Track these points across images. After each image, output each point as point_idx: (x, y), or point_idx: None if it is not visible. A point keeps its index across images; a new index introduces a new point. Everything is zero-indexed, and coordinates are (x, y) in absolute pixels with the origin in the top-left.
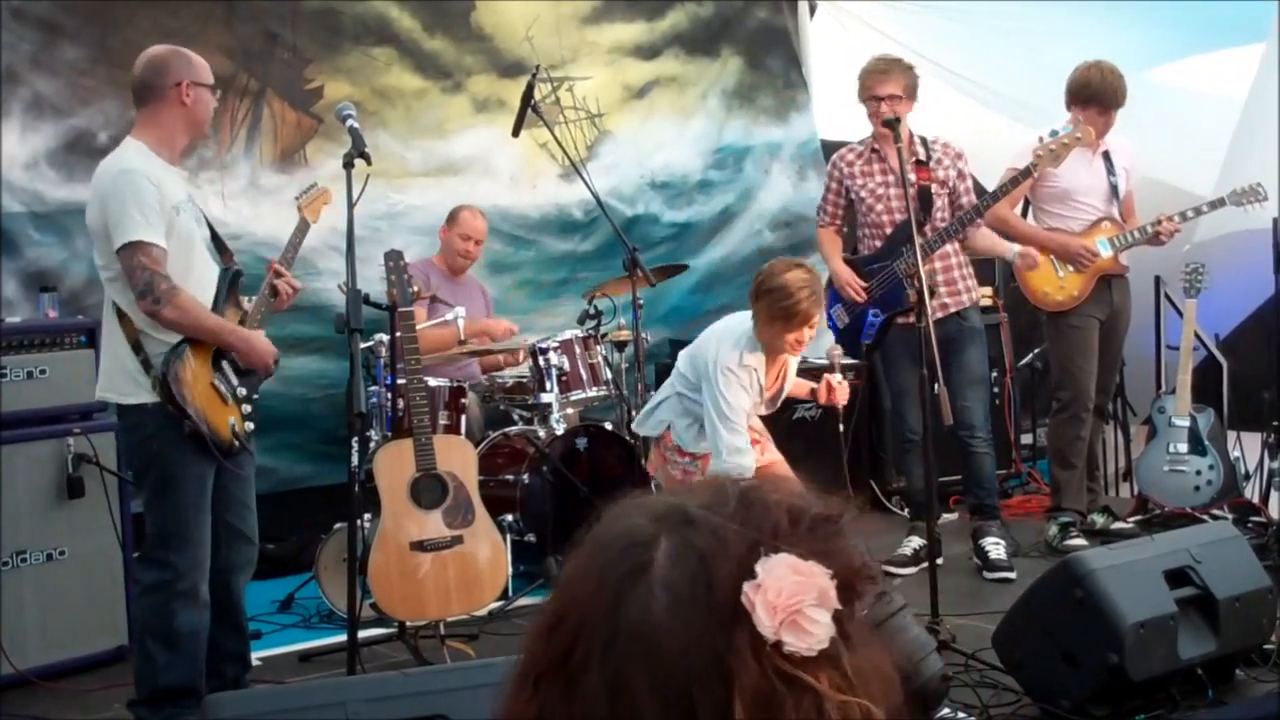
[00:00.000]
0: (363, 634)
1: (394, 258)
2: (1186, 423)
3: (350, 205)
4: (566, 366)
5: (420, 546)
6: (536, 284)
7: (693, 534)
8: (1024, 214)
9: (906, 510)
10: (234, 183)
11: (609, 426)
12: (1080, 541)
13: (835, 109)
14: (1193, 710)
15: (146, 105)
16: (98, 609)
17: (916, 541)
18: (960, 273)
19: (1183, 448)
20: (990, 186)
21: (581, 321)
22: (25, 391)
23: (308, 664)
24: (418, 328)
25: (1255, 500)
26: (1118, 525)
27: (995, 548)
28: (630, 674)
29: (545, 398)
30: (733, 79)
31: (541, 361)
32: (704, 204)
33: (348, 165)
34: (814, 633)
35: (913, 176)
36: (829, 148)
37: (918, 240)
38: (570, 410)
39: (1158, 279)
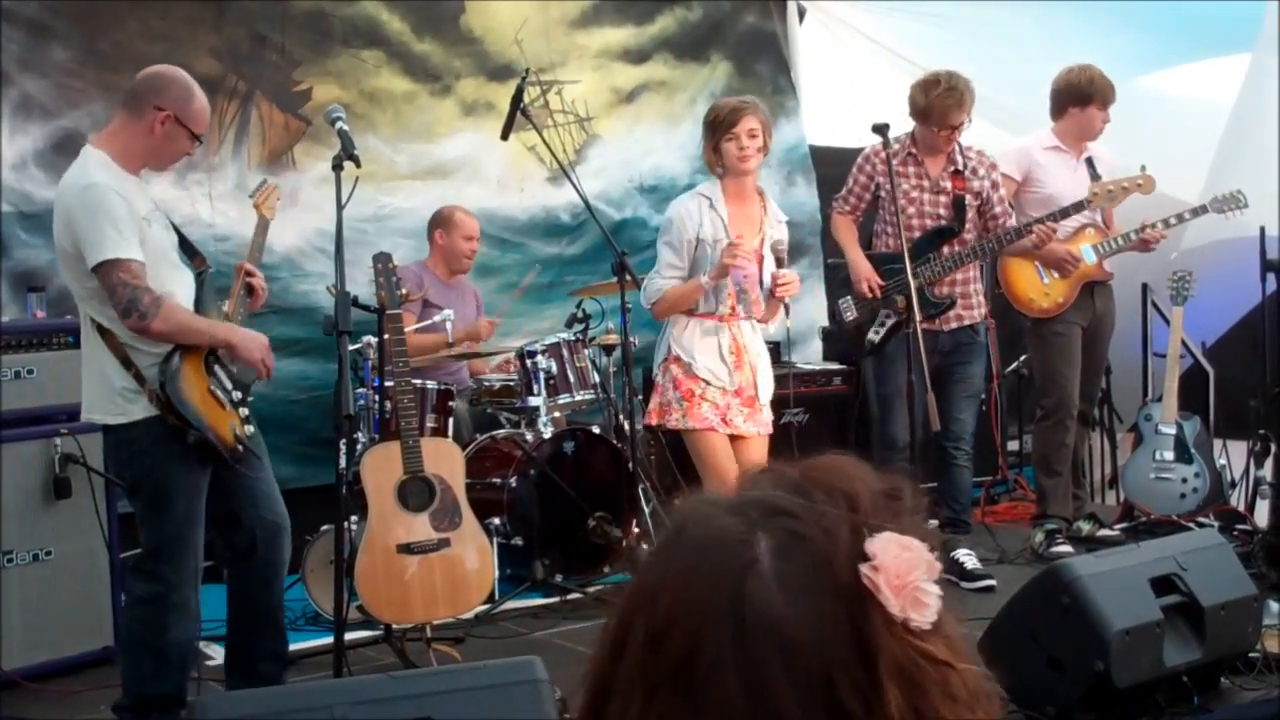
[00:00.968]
0: (349, 636)
1: (382, 260)
2: (1173, 430)
3: (339, 207)
4: (554, 370)
5: (407, 549)
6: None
7: (793, 524)
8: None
9: None
10: (222, 184)
11: (596, 430)
12: (1066, 548)
13: (824, 114)
14: (1178, 717)
15: (124, 113)
16: (84, 610)
17: None
18: (975, 286)
19: (1169, 455)
20: None
21: (569, 325)
22: (12, 392)
23: (293, 666)
24: (407, 330)
25: (1241, 508)
26: (1104, 532)
27: (969, 558)
28: (767, 668)
29: (533, 401)
30: (721, 84)
31: (529, 365)
32: None
33: (337, 168)
34: (930, 605)
35: (950, 184)
36: (817, 153)
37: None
38: (558, 413)
39: (1145, 286)
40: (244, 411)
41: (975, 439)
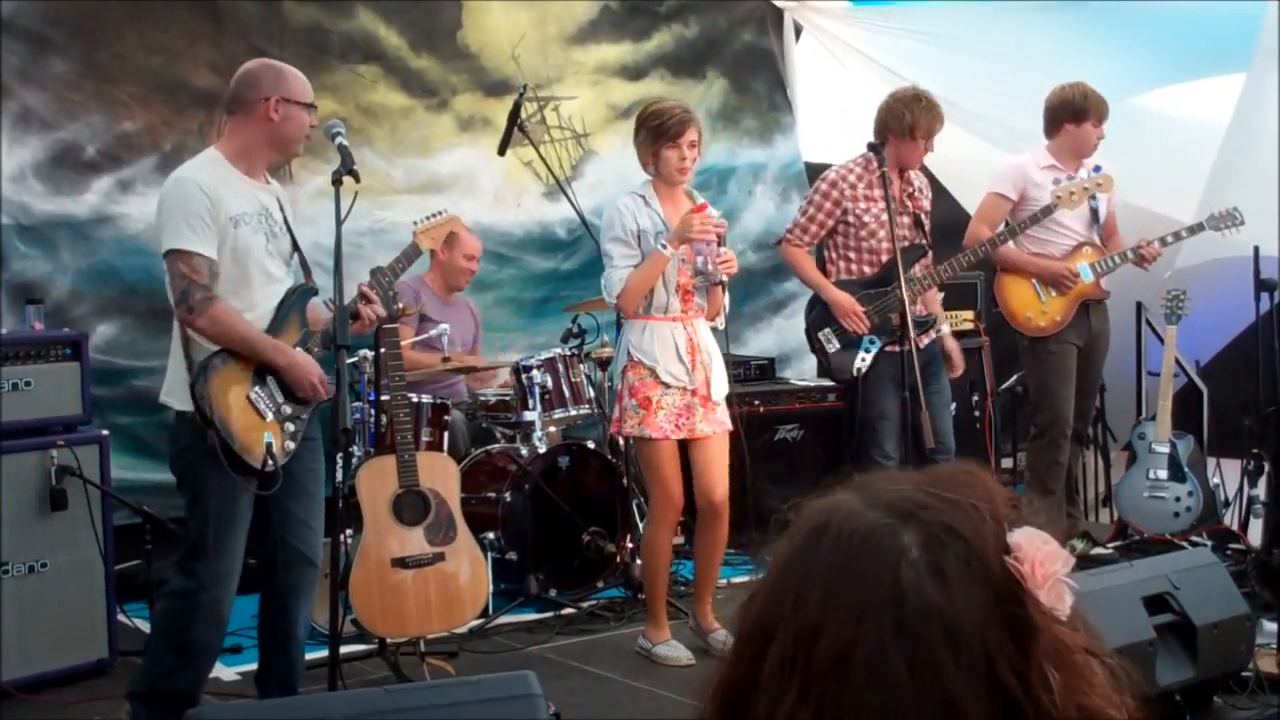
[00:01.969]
0: (343, 650)
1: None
2: (1166, 449)
3: (339, 222)
4: (549, 384)
5: (402, 563)
6: (519, 302)
7: (939, 517)
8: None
9: None
10: None
11: (591, 445)
12: None
13: (820, 131)
14: None
15: (234, 116)
16: (79, 622)
17: None
18: (937, 298)
19: (1162, 474)
20: (971, 209)
21: (565, 340)
22: (10, 403)
23: None
24: (403, 345)
25: (1234, 527)
26: (1097, 550)
27: None
28: (932, 650)
29: (528, 415)
30: (717, 100)
31: (524, 379)
32: None
33: (336, 183)
34: (1069, 596)
35: (909, 205)
36: (813, 170)
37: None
38: (553, 428)
39: (1139, 305)
40: (290, 428)
41: (969, 456)
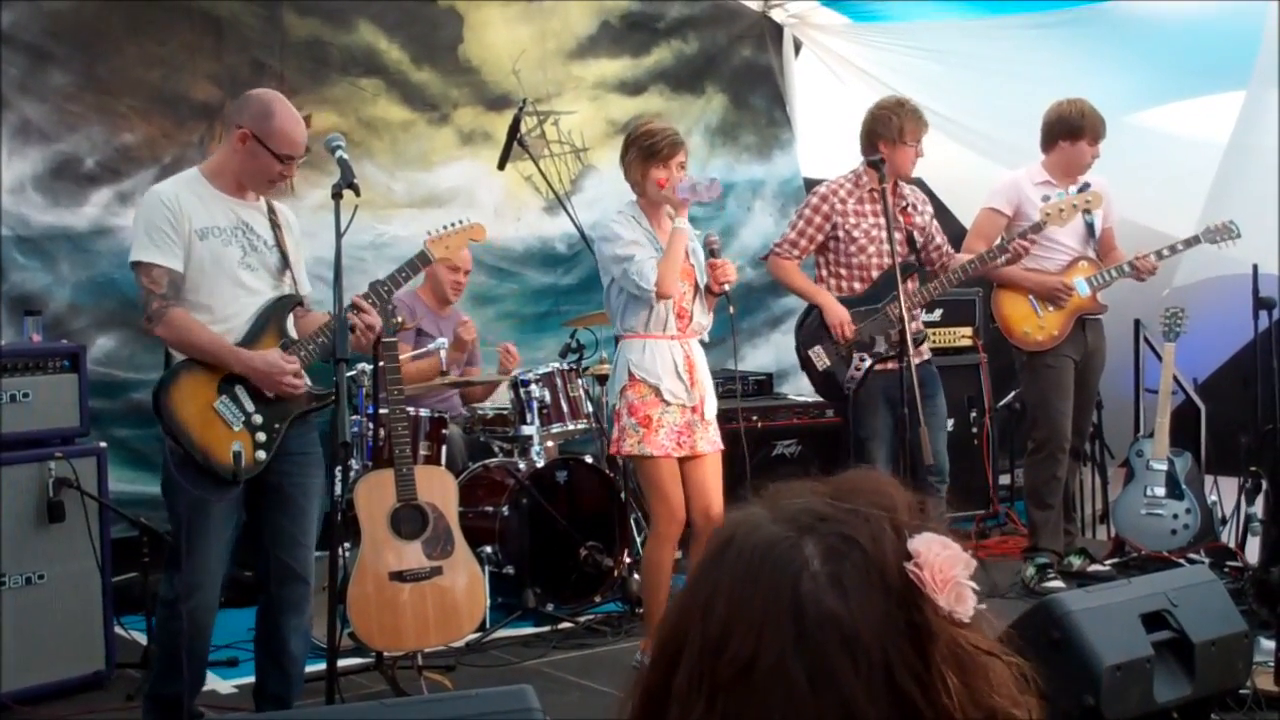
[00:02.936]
0: (340, 663)
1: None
2: (1164, 466)
3: (338, 236)
4: (548, 399)
5: (399, 577)
6: (519, 317)
7: (839, 528)
8: None
9: None
10: None
11: (589, 459)
12: (1057, 583)
13: (819, 147)
14: None
15: (225, 133)
16: (76, 634)
17: None
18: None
19: (1160, 491)
20: (968, 223)
21: (563, 354)
22: (8, 415)
23: None
24: (402, 359)
25: (1231, 545)
26: (1094, 567)
27: None
28: (831, 659)
29: (526, 430)
30: (717, 116)
31: (522, 394)
32: None
33: (336, 196)
34: (970, 599)
35: (901, 220)
36: (812, 186)
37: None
38: (550, 442)
39: (1137, 322)
40: (261, 437)
41: (967, 473)
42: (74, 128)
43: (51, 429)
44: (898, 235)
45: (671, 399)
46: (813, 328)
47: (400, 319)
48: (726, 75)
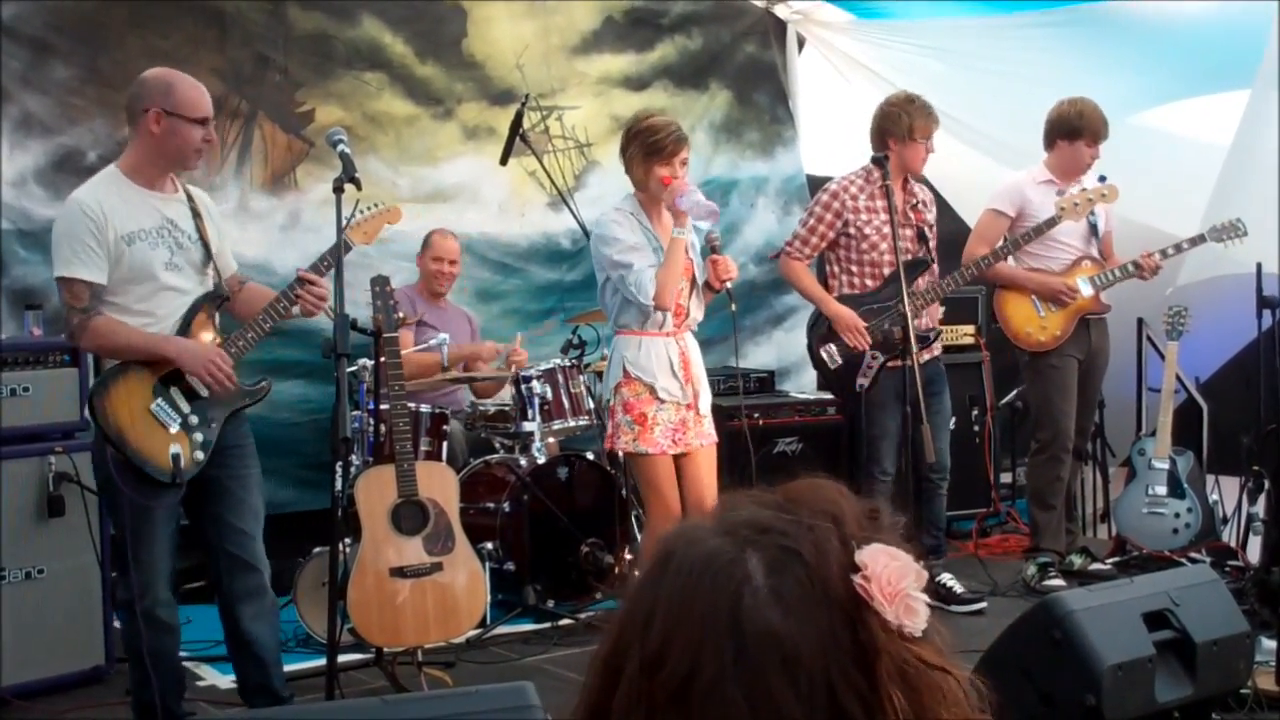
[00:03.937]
0: (340, 659)
1: (380, 283)
2: (1166, 465)
3: (339, 230)
4: (549, 395)
5: (400, 573)
6: (524, 313)
7: (782, 540)
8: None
9: None
10: (223, 205)
11: (590, 456)
12: (1059, 582)
13: (822, 145)
14: None
15: (130, 127)
16: (76, 629)
17: None
18: (938, 312)
19: (1162, 490)
20: (969, 221)
21: (565, 350)
22: (8, 409)
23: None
24: (404, 354)
25: (1232, 544)
26: (1096, 566)
27: (955, 582)
28: (769, 679)
29: (527, 426)
30: (720, 113)
31: (524, 390)
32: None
33: (338, 190)
34: (920, 611)
35: (913, 217)
36: (815, 183)
37: (903, 283)
38: (552, 439)
39: (1140, 321)
40: (199, 437)
41: (969, 471)
42: (76, 121)
43: (51, 423)
44: (909, 232)
45: (667, 397)
46: (826, 327)
47: (402, 314)
48: (730, 72)
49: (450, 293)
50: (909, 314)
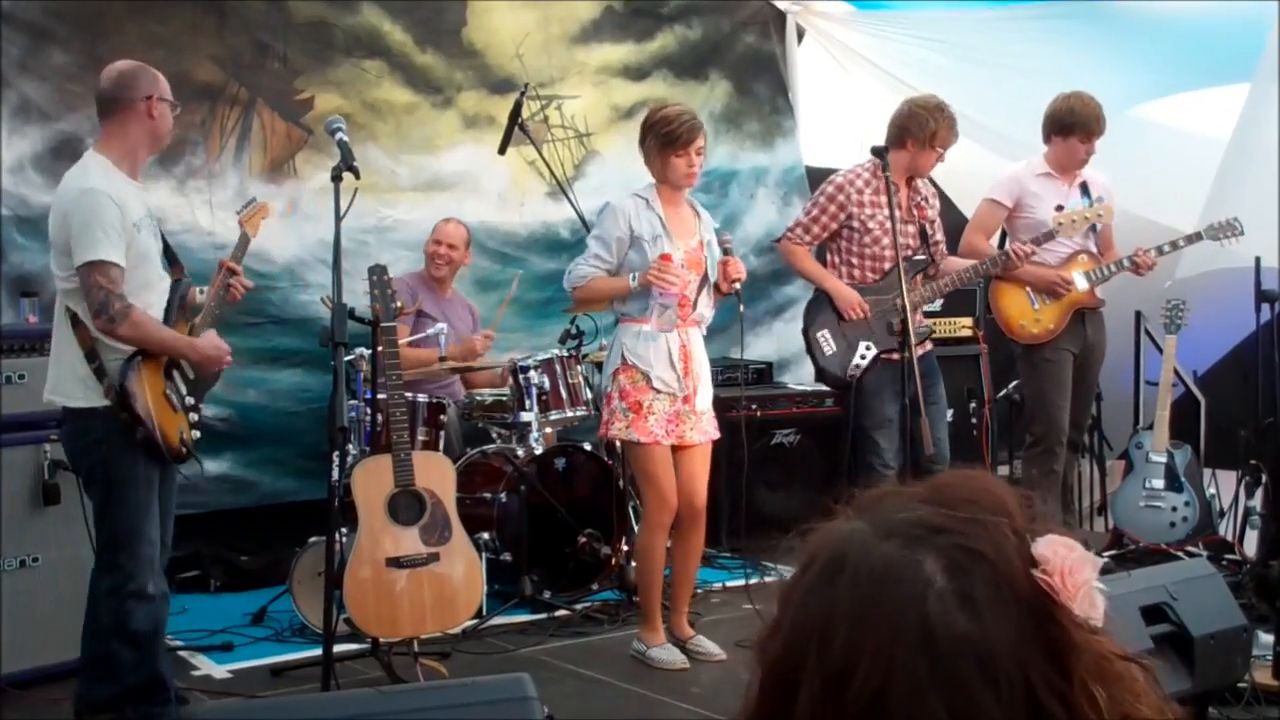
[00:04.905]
0: (336, 649)
1: (377, 272)
2: (1163, 459)
3: (338, 219)
4: (547, 386)
5: (396, 563)
6: (523, 303)
7: (958, 540)
8: (1000, 247)
9: None
10: (222, 192)
11: (588, 447)
12: None
13: (821, 136)
14: None
15: (112, 118)
16: (71, 617)
17: None
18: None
19: (1159, 484)
20: (967, 213)
21: (563, 341)
22: (4, 396)
23: (279, 678)
24: (401, 344)
25: (1229, 538)
26: None
27: None
28: (969, 684)
29: (524, 416)
30: (720, 103)
31: (522, 380)
32: None
33: (336, 179)
34: (1100, 602)
35: (915, 214)
36: (814, 174)
37: (902, 278)
38: (549, 429)
39: (1138, 314)
40: (194, 418)
41: (966, 464)
42: (74, 107)
43: (47, 411)
44: (911, 229)
45: (662, 387)
46: (821, 313)
47: (400, 304)
48: (730, 62)
49: (453, 281)
50: (907, 307)
